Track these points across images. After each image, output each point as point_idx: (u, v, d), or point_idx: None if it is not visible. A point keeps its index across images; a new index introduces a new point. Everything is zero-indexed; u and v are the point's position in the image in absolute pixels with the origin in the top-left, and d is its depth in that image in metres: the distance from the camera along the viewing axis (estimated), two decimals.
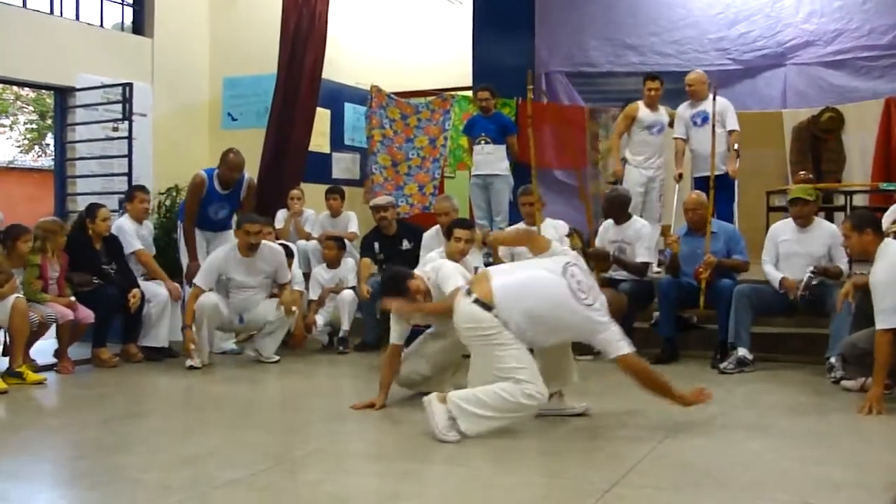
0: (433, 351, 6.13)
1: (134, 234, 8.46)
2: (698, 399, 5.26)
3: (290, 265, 8.46)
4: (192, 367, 7.60)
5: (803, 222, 7.37)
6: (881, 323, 5.58)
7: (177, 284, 8.45)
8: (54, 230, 7.71)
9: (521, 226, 8.31)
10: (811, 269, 7.09)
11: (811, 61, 11.66)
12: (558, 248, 5.55)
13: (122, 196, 10.04)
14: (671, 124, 9.59)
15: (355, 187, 12.44)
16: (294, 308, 8.06)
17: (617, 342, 5.09)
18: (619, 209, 8.22)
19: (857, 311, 6.21)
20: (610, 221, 8.28)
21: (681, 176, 9.40)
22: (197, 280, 7.86)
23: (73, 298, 7.66)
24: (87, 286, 7.93)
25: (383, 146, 12.30)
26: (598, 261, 8.02)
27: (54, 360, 7.66)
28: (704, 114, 8.93)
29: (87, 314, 7.66)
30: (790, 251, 7.34)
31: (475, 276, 5.37)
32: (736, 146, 8.97)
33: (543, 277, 5.17)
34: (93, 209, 8.18)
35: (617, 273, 8.05)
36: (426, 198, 11.92)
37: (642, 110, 9.53)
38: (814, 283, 7.04)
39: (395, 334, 5.96)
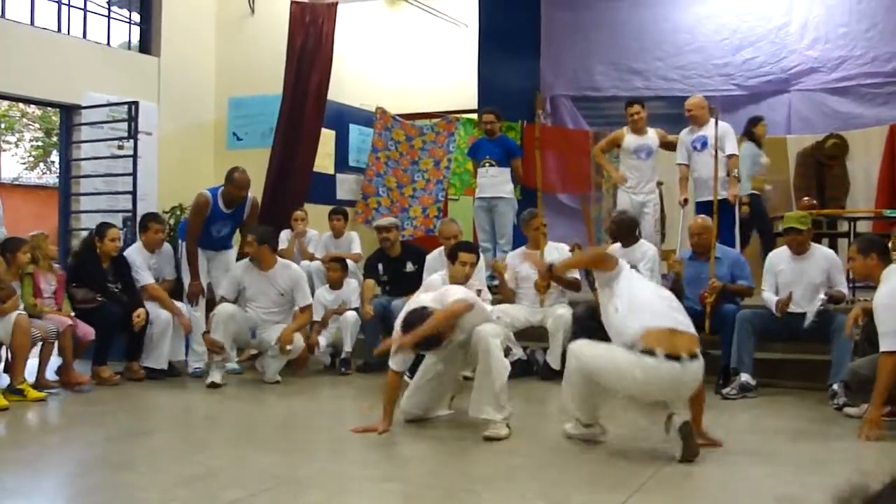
0: (435, 380, 6.12)
1: (144, 266, 8.39)
2: (706, 441, 5.27)
3: None
4: (213, 385, 7.64)
5: (799, 249, 7.34)
6: (885, 346, 5.56)
7: (188, 320, 8.42)
8: (41, 239, 7.79)
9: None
10: (822, 297, 7.08)
11: (816, 88, 11.70)
12: (625, 265, 5.52)
13: (128, 214, 10.09)
14: (669, 146, 9.57)
15: None
16: (288, 347, 7.93)
17: None
18: (626, 232, 8.22)
19: (862, 337, 6.20)
20: (617, 245, 8.27)
21: (686, 201, 9.39)
22: (222, 291, 8.03)
23: (72, 314, 7.67)
24: (89, 303, 7.95)
25: (389, 168, 12.33)
26: (568, 287, 8.12)
27: (57, 378, 7.64)
28: (703, 138, 8.93)
29: (87, 331, 7.67)
30: (788, 280, 7.30)
31: (656, 334, 4.96)
32: (735, 171, 8.97)
33: None
34: (102, 229, 8.19)
35: None
36: (430, 220, 11.93)
37: (627, 137, 9.50)
38: (822, 307, 7.04)
39: (398, 362, 5.92)
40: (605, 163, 9.87)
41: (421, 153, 12.38)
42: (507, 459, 4.99)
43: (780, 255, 7.53)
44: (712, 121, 8.62)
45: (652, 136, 9.54)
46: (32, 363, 7.67)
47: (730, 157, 8.96)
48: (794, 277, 7.28)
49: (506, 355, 7.67)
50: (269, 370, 8.00)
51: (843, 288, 7.25)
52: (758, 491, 4.44)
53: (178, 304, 8.38)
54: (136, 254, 8.46)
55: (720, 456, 5.16)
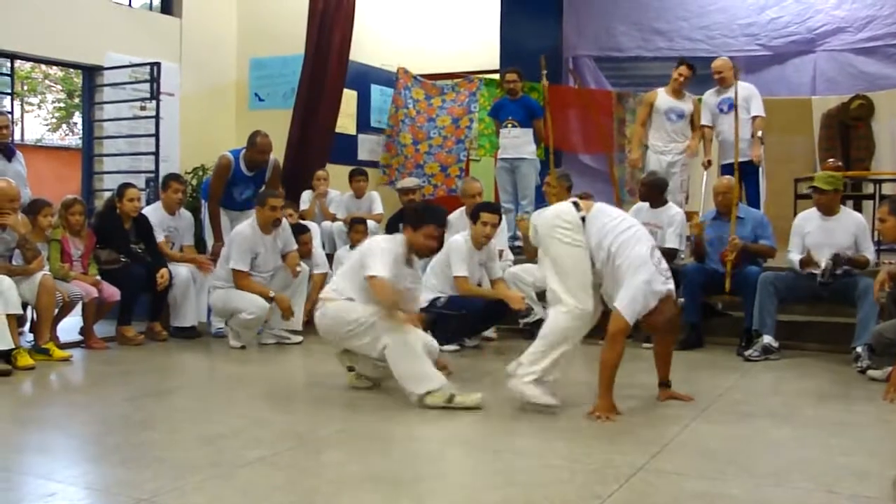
0: None
1: (157, 226, 8.40)
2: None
3: (310, 242, 8.52)
4: (243, 347, 7.76)
5: (827, 211, 7.29)
6: None
7: (204, 257, 8.52)
8: (67, 205, 7.72)
9: None
10: (831, 256, 7.02)
11: (842, 48, 11.56)
12: None
13: (150, 175, 10.11)
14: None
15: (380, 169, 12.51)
16: (298, 268, 8.08)
17: None
18: (656, 193, 8.18)
19: (889, 301, 6.17)
20: (645, 204, 8.23)
21: (709, 163, 9.33)
22: (238, 265, 7.71)
23: (98, 277, 7.69)
24: (114, 264, 7.97)
25: (405, 125, 12.33)
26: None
27: (80, 338, 7.71)
28: (730, 100, 8.84)
29: (112, 292, 7.70)
30: (816, 241, 7.25)
31: None
32: (759, 133, 8.89)
33: None
34: (121, 189, 8.20)
35: None
36: (451, 180, 11.91)
37: (661, 97, 9.41)
38: (837, 272, 6.98)
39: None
40: (638, 141, 9.69)
41: (439, 111, 12.37)
42: (528, 417, 4.99)
43: (808, 217, 7.47)
44: (738, 82, 8.55)
45: (688, 99, 9.43)
46: (68, 322, 7.78)
47: (755, 118, 8.89)
48: (822, 239, 7.21)
49: (527, 315, 7.72)
50: (293, 321, 8.03)
51: (869, 254, 7.18)
52: (779, 453, 4.43)
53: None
54: (151, 213, 8.49)
55: (742, 417, 5.16)
